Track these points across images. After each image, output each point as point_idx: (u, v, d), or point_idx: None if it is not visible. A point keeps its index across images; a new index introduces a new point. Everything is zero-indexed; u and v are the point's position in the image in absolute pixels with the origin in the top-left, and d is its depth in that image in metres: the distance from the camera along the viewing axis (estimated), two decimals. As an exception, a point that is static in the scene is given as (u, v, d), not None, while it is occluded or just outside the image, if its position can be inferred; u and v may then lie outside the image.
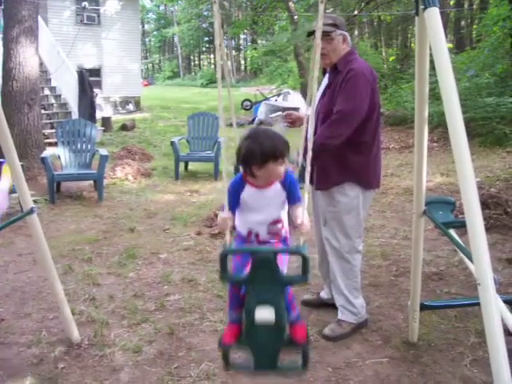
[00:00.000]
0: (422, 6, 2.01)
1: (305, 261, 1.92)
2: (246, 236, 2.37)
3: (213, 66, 56.28)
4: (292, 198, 2.33)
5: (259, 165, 2.20)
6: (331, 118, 3.18)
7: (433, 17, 1.92)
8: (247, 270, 2.05)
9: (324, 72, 3.54)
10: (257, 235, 2.34)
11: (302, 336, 2.17)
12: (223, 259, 2.00)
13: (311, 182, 3.37)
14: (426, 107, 2.53)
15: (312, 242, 3.58)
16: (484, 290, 1.69)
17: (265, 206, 2.33)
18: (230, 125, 2.51)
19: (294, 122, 3.54)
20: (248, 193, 2.31)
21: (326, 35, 3.22)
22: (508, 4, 10.58)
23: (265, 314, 1.96)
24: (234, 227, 2.36)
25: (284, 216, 2.39)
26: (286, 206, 2.37)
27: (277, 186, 2.31)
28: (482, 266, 1.71)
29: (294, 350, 2.12)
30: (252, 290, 2.02)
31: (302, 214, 2.18)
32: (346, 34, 3.36)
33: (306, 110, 2.75)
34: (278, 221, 2.35)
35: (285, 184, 2.32)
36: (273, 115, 3.91)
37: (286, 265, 2.27)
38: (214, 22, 1.84)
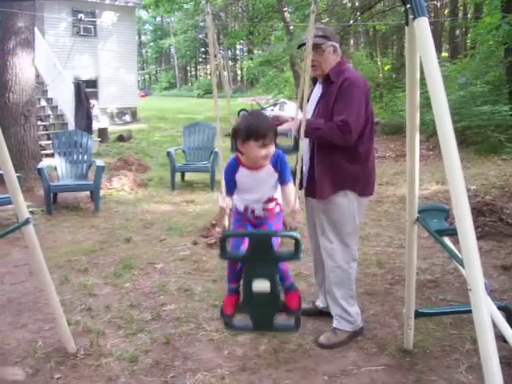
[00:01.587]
0: (411, 16, 2.04)
1: (297, 243, 2.14)
2: (243, 211, 2.64)
3: (209, 77, 56.36)
4: (282, 178, 2.52)
5: (242, 141, 2.41)
6: (337, 123, 3.14)
7: (422, 26, 1.95)
8: (244, 246, 2.35)
9: (314, 80, 3.56)
10: (253, 211, 2.62)
11: (295, 303, 2.42)
12: (223, 241, 2.22)
13: (310, 193, 3.40)
14: (417, 116, 2.55)
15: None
16: (475, 294, 1.71)
17: (258, 186, 2.55)
18: (228, 135, 2.63)
19: (282, 124, 3.57)
20: (241, 174, 2.52)
21: (317, 47, 3.26)
22: (500, 12, 10.65)
23: (261, 285, 2.19)
24: (231, 209, 2.54)
25: (278, 195, 2.60)
26: (279, 187, 2.58)
27: (269, 168, 2.50)
28: (473, 271, 1.73)
29: (288, 314, 2.43)
30: (249, 266, 2.23)
31: (294, 202, 2.32)
32: (337, 44, 3.39)
33: (296, 117, 2.82)
34: (271, 199, 2.59)
35: (275, 166, 2.50)
36: None
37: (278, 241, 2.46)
38: (208, 33, 1.87)
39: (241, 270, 2.37)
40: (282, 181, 2.53)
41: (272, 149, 2.43)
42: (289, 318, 2.49)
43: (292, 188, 2.44)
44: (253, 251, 2.19)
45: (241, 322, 2.60)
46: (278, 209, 2.63)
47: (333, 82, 3.28)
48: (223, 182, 2.40)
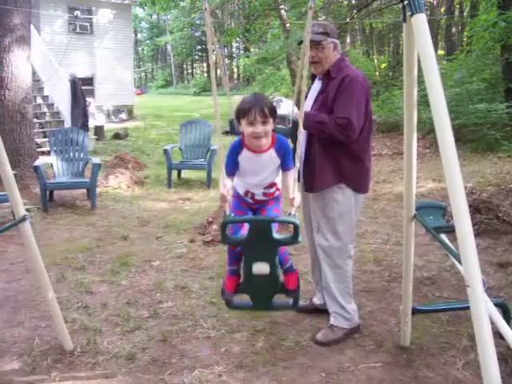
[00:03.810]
0: (409, 13, 2.03)
1: (296, 228, 2.26)
2: (242, 195, 2.73)
3: (205, 75, 56.25)
4: (284, 164, 2.60)
5: (238, 121, 2.54)
6: (340, 120, 3.13)
7: (420, 23, 1.95)
8: (244, 230, 2.44)
9: (313, 76, 3.55)
10: (252, 195, 2.71)
11: (293, 283, 2.55)
12: (224, 227, 2.32)
13: (307, 188, 3.39)
14: (414, 113, 2.55)
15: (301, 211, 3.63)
16: (473, 291, 1.71)
17: (260, 170, 2.60)
18: (225, 133, 2.68)
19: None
20: (244, 156, 2.58)
21: (317, 44, 3.26)
22: (497, 9, 10.65)
23: (261, 267, 2.33)
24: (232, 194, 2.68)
25: (278, 180, 2.68)
26: (280, 172, 2.65)
27: (271, 153, 2.58)
28: (471, 268, 1.73)
29: (288, 295, 2.56)
30: (249, 250, 2.35)
31: (293, 189, 2.38)
32: (337, 41, 3.38)
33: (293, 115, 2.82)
34: (272, 185, 2.67)
35: (279, 151, 2.58)
36: None
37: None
38: (206, 29, 1.86)
39: (241, 252, 2.48)
40: (284, 167, 2.60)
41: (262, 128, 2.48)
42: (288, 298, 2.60)
43: (293, 175, 2.50)
44: (253, 236, 2.27)
45: (241, 301, 2.75)
46: (277, 193, 2.71)
47: (333, 77, 3.27)
48: (224, 169, 2.47)
